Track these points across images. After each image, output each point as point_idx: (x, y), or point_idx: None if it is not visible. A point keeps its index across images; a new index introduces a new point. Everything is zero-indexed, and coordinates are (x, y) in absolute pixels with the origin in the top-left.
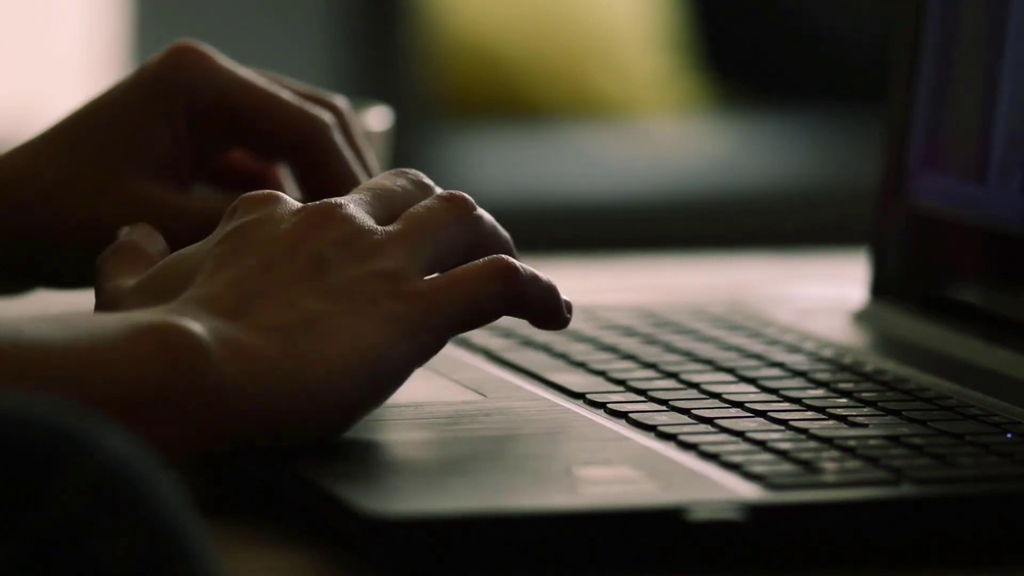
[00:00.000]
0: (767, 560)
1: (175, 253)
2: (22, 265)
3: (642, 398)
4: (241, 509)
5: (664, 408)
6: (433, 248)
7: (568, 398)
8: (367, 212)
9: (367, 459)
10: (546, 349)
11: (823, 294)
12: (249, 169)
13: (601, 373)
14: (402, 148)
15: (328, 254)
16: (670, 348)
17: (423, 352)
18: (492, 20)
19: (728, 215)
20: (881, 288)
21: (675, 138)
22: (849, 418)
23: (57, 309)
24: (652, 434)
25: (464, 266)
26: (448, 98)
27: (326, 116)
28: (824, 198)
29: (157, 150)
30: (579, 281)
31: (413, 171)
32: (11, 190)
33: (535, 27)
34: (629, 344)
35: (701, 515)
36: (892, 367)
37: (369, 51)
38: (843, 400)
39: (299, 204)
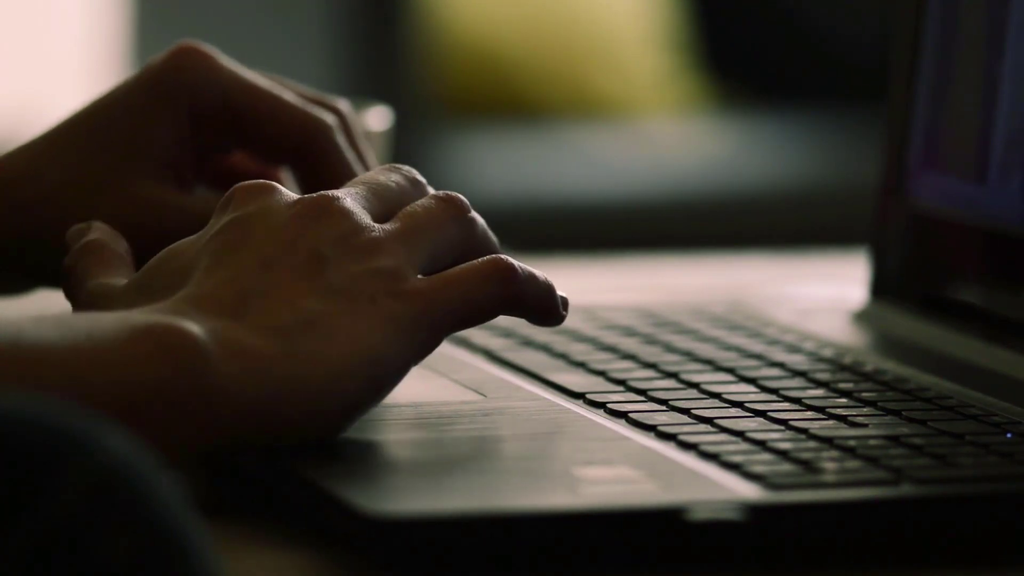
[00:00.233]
0: (767, 560)
1: (169, 247)
2: (23, 265)
3: (642, 398)
4: (241, 509)
5: (664, 408)
6: (430, 247)
7: (568, 398)
8: (363, 207)
9: (367, 459)
10: (546, 349)
11: (823, 294)
12: (250, 171)
13: (601, 373)
14: (402, 148)
15: (326, 251)
16: (670, 348)
17: (421, 350)
18: (492, 20)
19: (728, 215)
20: (881, 288)
21: (675, 138)
22: (849, 418)
23: (57, 309)
24: (652, 434)
25: (462, 265)
26: (448, 98)
27: (328, 118)
28: (824, 198)
29: (159, 150)
30: (579, 281)
31: (406, 167)
32: (12, 190)
33: (535, 27)
34: (629, 344)
35: (701, 515)
36: (892, 367)
37: (369, 51)
38: (843, 400)
39: (294, 196)
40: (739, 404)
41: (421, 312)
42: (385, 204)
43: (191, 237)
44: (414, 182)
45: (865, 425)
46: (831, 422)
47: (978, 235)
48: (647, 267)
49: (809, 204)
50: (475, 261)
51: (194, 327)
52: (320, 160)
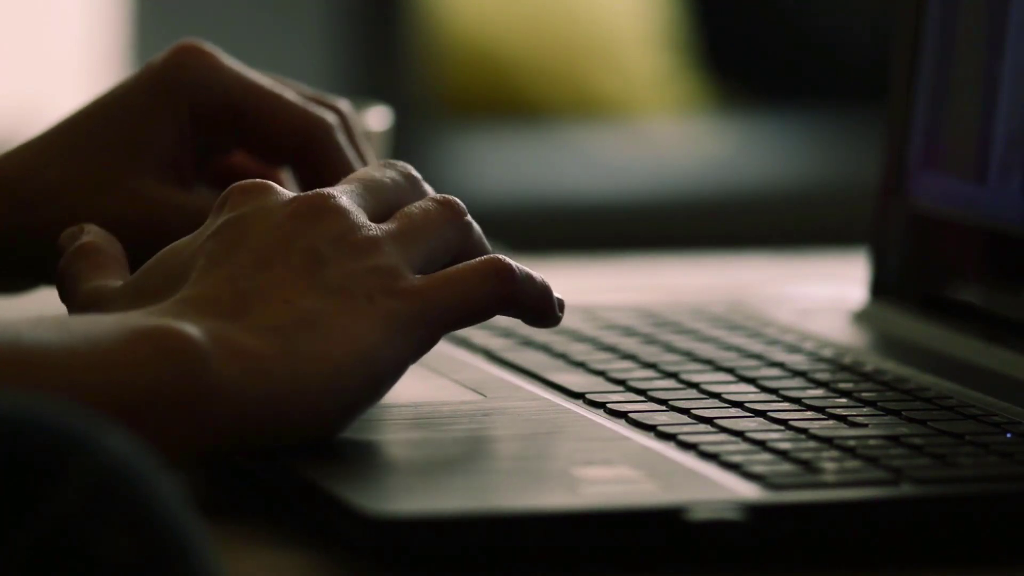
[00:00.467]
0: (767, 560)
1: (166, 248)
2: (25, 263)
3: (642, 398)
4: (241, 509)
5: (664, 408)
6: (427, 249)
7: (568, 398)
8: (359, 205)
9: (367, 459)
10: (546, 349)
11: (823, 294)
12: (251, 171)
13: (601, 373)
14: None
15: (323, 249)
16: (670, 348)
17: (419, 349)
18: (492, 20)
19: (728, 215)
20: (881, 288)
21: (675, 138)
22: (849, 418)
23: (58, 309)
24: (652, 434)
25: (460, 265)
26: (448, 98)
27: (329, 117)
28: (824, 198)
29: (160, 149)
30: (579, 281)
31: (401, 163)
32: (14, 188)
33: (535, 27)
34: (629, 344)
35: (701, 515)
36: (892, 367)
37: (369, 51)
38: (843, 400)
39: (290, 194)
40: (739, 404)
41: (419, 310)
42: (381, 201)
43: (188, 237)
44: (410, 178)
45: (865, 425)
46: (831, 422)
47: (978, 235)
48: (647, 267)
49: (809, 204)
50: (473, 260)
51: (192, 329)
52: (321, 159)
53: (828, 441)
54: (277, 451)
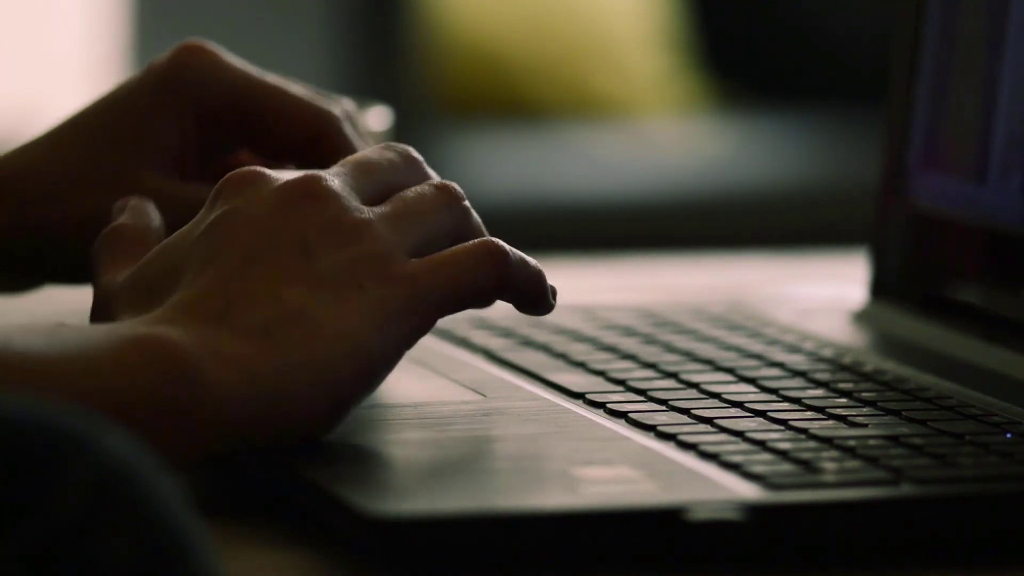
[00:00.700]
0: (767, 560)
1: (164, 242)
2: (30, 260)
3: (642, 398)
4: (241, 509)
5: (664, 408)
6: (421, 232)
7: (568, 398)
8: (351, 187)
9: (367, 459)
10: (546, 349)
11: (823, 294)
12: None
13: (601, 373)
14: None
15: (311, 238)
16: (670, 348)
17: (412, 336)
18: (492, 20)
19: (728, 215)
20: (881, 288)
21: (675, 138)
22: (849, 418)
23: (62, 307)
24: (652, 434)
25: (453, 248)
26: (448, 98)
27: (336, 110)
28: (824, 198)
29: (163, 148)
30: (579, 281)
31: (402, 145)
32: (18, 185)
33: (535, 27)
34: (629, 344)
35: (701, 515)
36: (892, 367)
37: (369, 51)
38: (843, 400)
39: (282, 178)
40: (739, 404)
41: (411, 296)
42: (373, 182)
43: (184, 228)
44: (408, 159)
45: (865, 425)
46: (831, 422)
47: (978, 235)
48: (647, 267)
49: (809, 204)
50: (466, 243)
51: (183, 337)
52: (331, 152)
53: (828, 441)
54: (277, 451)
